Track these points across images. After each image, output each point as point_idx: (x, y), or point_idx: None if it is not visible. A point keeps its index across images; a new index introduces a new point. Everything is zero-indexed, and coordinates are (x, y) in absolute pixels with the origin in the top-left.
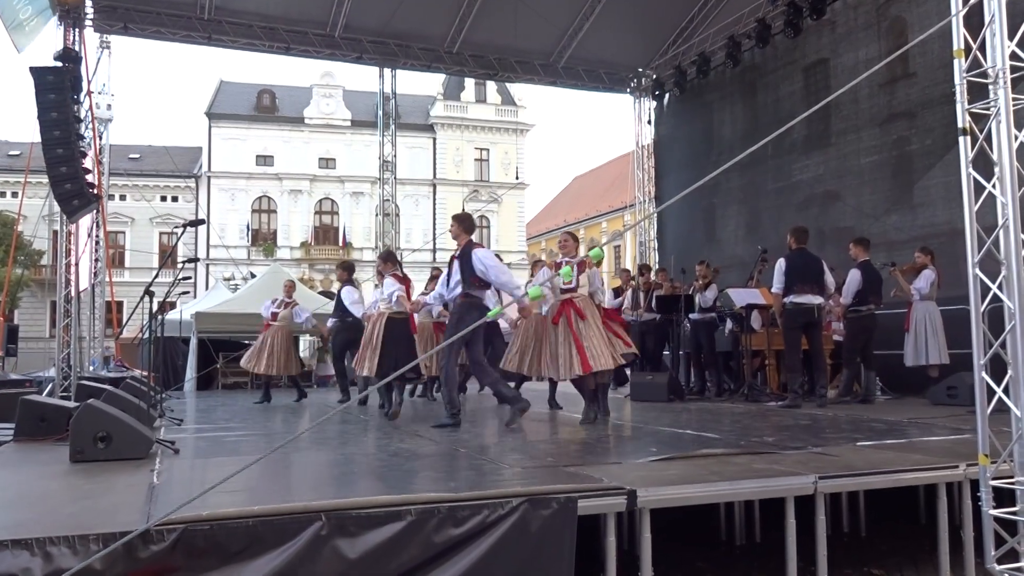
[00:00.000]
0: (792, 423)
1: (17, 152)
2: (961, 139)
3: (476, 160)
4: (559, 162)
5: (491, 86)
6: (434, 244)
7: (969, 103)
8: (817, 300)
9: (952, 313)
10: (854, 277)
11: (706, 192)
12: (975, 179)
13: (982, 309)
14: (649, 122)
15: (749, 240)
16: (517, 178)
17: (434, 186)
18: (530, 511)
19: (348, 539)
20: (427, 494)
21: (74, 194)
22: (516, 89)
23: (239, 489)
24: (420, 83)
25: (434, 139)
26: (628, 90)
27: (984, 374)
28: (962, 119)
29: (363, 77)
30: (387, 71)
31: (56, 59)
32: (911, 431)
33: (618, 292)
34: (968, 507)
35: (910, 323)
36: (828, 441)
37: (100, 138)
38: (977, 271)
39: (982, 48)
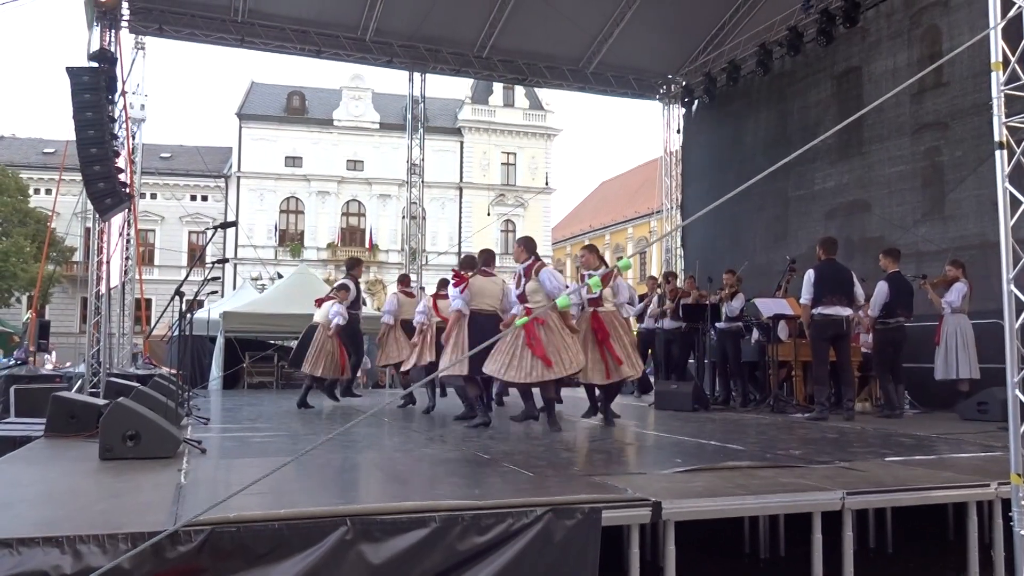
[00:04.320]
0: (819, 436)
1: (52, 150)
2: (997, 152)
3: (503, 164)
4: (586, 167)
5: (519, 90)
6: (459, 247)
7: (1006, 116)
8: (846, 312)
9: (983, 327)
10: (881, 289)
11: (731, 200)
12: (1011, 193)
13: (1016, 325)
14: (678, 131)
15: (775, 248)
16: (547, 183)
17: (460, 189)
18: (554, 521)
19: (372, 544)
20: (452, 501)
21: (107, 193)
22: (544, 94)
23: (265, 491)
24: (448, 87)
25: (461, 142)
26: (657, 97)
27: (1017, 391)
28: (999, 132)
29: (392, 80)
30: (416, 75)
31: (92, 59)
32: (940, 447)
33: (643, 298)
34: (999, 527)
35: (941, 336)
36: (856, 456)
37: (133, 138)
38: (1012, 287)
39: (1021, 61)
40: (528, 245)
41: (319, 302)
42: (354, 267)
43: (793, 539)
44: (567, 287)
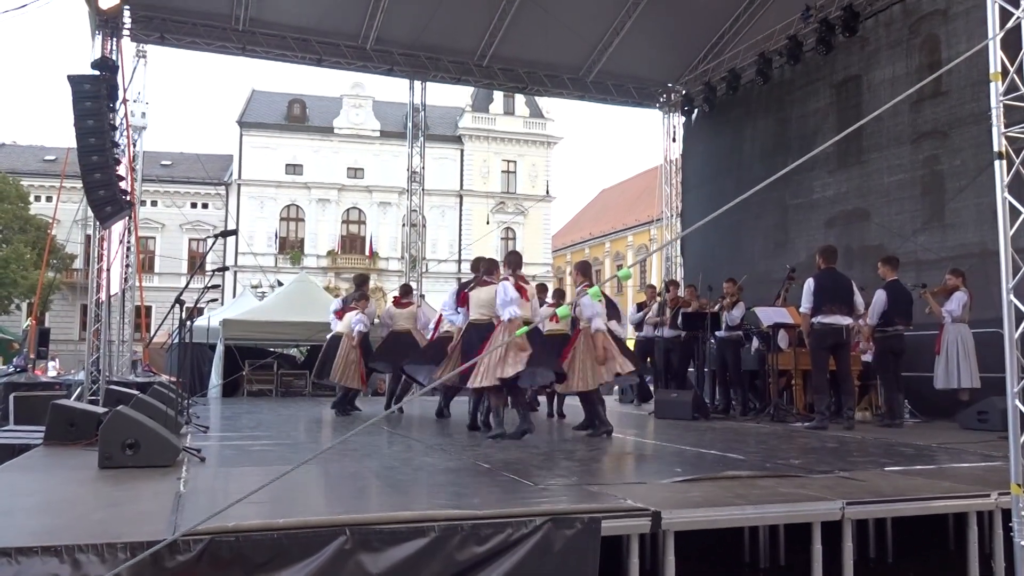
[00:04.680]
0: (819, 445)
1: (53, 157)
2: (996, 163)
3: (503, 172)
4: (586, 174)
5: (519, 98)
6: (459, 255)
7: (1005, 126)
8: (846, 321)
9: (983, 336)
10: (879, 298)
11: (730, 208)
12: (1010, 203)
13: (1016, 335)
14: (674, 138)
15: (775, 256)
16: (547, 192)
17: (461, 197)
18: (553, 531)
19: (371, 554)
20: (451, 511)
21: (107, 200)
22: (544, 102)
23: (265, 500)
24: (449, 95)
25: (462, 150)
26: (657, 105)
27: (1017, 401)
28: (998, 143)
29: (393, 88)
30: (417, 83)
31: (93, 68)
32: (940, 457)
33: (642, 306)
34: (999, 537)
35: (941, 345)
36: (855, 465)
37: (134, 145)
38: (1012, 297)
39: (1019, 71)
40: (508, 261)
41: (340, 314)
42: (363, 283)
43: (793, 549)
44: (511, 300)
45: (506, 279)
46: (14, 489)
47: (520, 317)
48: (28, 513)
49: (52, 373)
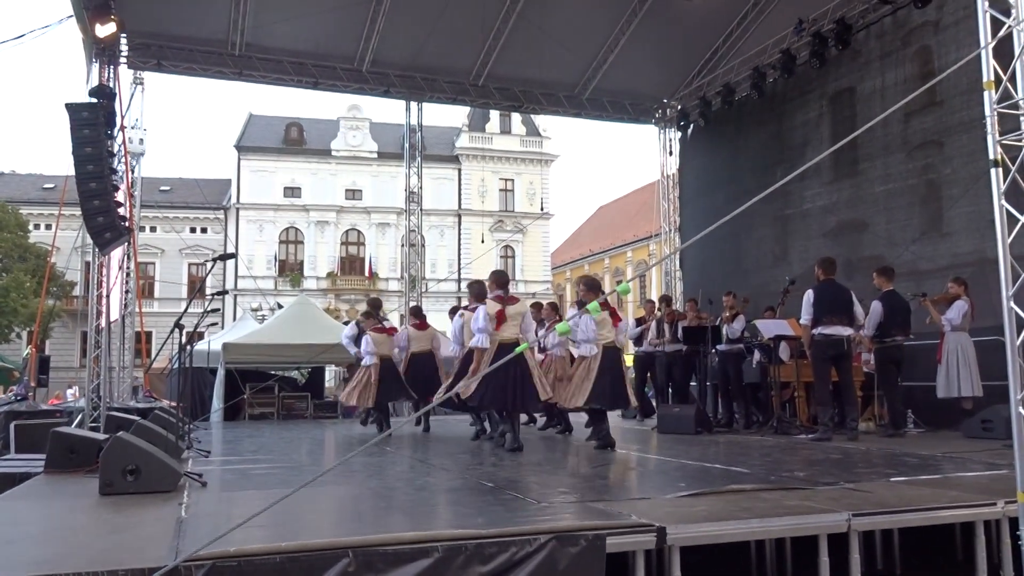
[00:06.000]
0: (823, 457)
1: (51, 185)
2: (992, 171)
3: (501, 191)
4: (584, 191)
5: (516, 117)
6: (459, 274)
7: (999, 134)
8: (846, 332)
9: (985, 344)
10: (876, 309)
11: (727, 221)
12: (1007, 210)
13: (1018, 343)
14: (670, 153)
15: (773, 268)
16: (543, 209)
17: (459, 216)
18: (558, 548)
19: None
20: (454, 530)
21: (106, 227)
22: (540, 120)
23: (267, 524)
24: (445, 115)
25: (459, 170)
26: (653, 121)
27: (1021, 409)
28: (993, 151)
29: (389, 109)
30: (414, 104)
31: (91, 95)
32: (946, 466)
33: (640, 321)
34: (1007, 545)
35: (942, 354)
36: (861, 476)
37: (132, 172)
38: (1012, 304)
39: (1012, 79)
40: (494, 280)
41: (381, 341)
42: (378, 307)
43: (800, 562)
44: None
45: (491, 299)
46: (15, 518)
47: (487, 347)
48: (30, 542)
49: (70, 400)
